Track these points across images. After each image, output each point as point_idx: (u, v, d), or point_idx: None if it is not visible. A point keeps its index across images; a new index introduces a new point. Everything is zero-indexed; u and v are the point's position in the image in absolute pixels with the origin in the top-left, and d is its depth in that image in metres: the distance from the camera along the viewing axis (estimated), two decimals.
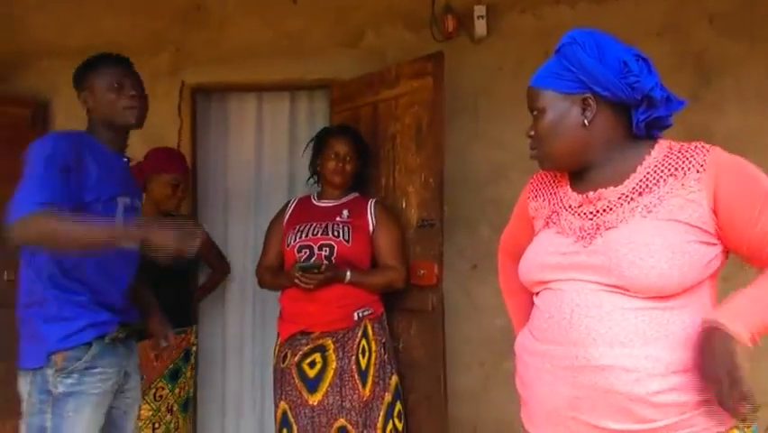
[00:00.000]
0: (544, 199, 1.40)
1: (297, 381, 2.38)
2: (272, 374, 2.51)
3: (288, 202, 2.67)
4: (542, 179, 1.44)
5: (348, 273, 2.38)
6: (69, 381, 1.66)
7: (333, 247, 2.42)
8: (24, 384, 1.69)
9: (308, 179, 2.70)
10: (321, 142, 2.60)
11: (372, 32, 3.14)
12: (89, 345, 1.72)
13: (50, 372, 1.66)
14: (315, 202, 2.61)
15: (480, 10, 3.01)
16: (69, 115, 3.13)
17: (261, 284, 2.63)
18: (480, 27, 3.03)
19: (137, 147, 2.88)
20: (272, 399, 2.49)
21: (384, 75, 2.77)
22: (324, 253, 2.41)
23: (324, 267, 2.31)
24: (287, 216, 2.58)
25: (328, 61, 3.12)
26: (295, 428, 2.36)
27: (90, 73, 1.88)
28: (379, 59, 3.05)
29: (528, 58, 3.09)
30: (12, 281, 2.91)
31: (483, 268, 3.04)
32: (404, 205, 2.64)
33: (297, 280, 2.32)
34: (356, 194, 2.62)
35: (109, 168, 1.83)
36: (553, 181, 1.40)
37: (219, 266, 3.08)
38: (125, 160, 1.95)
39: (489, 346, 3.01)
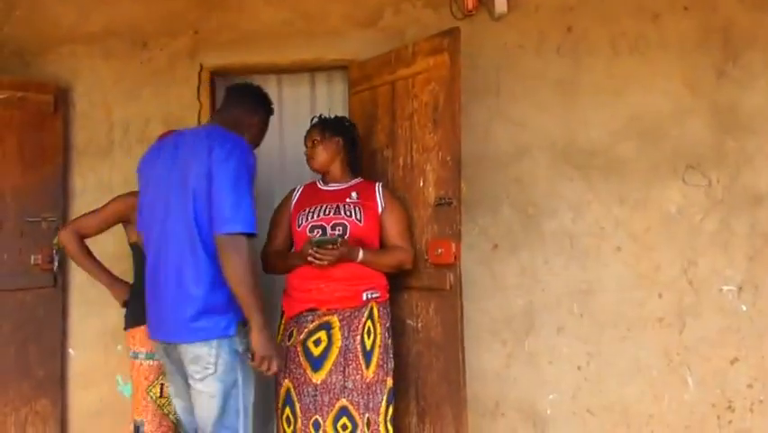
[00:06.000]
0: None
1: (302, 359, 2.38)
2: None
3: (294, 188, 2.67)
4: None
5: (360, 252, 2.41)
6: (246, 341, 2.02)
7: (346, 226, 2.44)
8: (210, 350, 2.00)
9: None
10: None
11: (391, 11, 3.11)
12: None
13: (237, 337, 2.02)
14: (321, 187, 2.63)
15: None
16: (91, 100, 3.19)
17: (267, 268, 2.59)
18: (500, 4, 2.99)
19: (157, 130, 2.92)
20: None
21: (401, 53, 2.74)
22: (337, 231, 2.43)
23: (339, 241, 2.34)
24: (294, 201, 2.61)
25: (346, 42, 3.10)
26: (298, 406, 2.36)
27: (266, 116, 2.35)
28: (398, 38, 3.03)
29: (550, 34, 3.05)
30: (38, 265, 3.01)
31: (504, 247, 3.02)
32: (422, 183, 2.62)
33: (310, 258, 2.33)
34: (360, 178, 2.65)
35: None
36: None
37: None
38: None
39: (510, 325, 3.01)
